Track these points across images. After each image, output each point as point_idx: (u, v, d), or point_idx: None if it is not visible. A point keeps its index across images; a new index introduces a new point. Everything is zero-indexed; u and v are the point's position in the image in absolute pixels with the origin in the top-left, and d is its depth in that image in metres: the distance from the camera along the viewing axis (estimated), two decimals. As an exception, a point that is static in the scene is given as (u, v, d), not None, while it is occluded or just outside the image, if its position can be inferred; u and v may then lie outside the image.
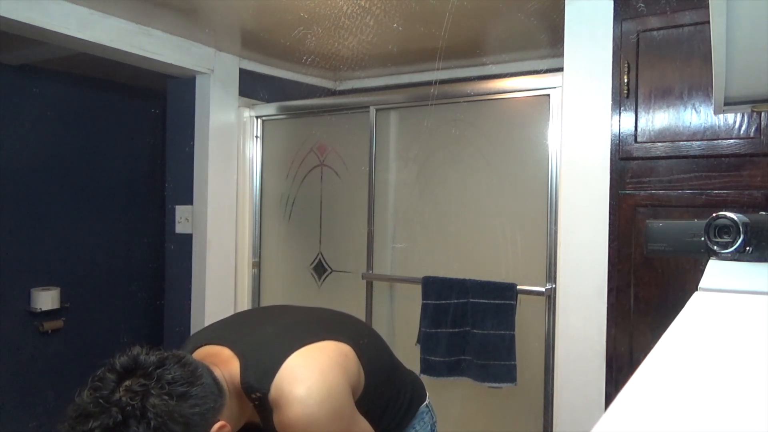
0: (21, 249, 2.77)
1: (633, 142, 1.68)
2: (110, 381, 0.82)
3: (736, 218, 0.93)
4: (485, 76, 2.51)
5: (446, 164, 2.17)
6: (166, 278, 2.63)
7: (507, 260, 2.03)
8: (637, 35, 1.67)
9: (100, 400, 0.80)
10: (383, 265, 2.32)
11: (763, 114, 1.50)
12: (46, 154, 2.87)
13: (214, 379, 0.92)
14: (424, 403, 1.31)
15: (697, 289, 0.68)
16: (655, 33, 1.65)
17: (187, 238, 2.55)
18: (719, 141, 1.57)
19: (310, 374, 0.95)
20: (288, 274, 2.61)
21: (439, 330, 2.05)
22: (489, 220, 2.07)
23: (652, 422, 0.30)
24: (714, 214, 0.96)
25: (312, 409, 0.92)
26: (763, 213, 0.98)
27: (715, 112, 1.54)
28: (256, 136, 2.64)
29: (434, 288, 2.07)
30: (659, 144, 1.64)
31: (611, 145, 1.72)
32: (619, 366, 1.70)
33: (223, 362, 0.99)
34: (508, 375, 1.92)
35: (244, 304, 2.64)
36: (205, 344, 1.06)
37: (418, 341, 2.09)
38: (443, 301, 2.05)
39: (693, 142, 1.60)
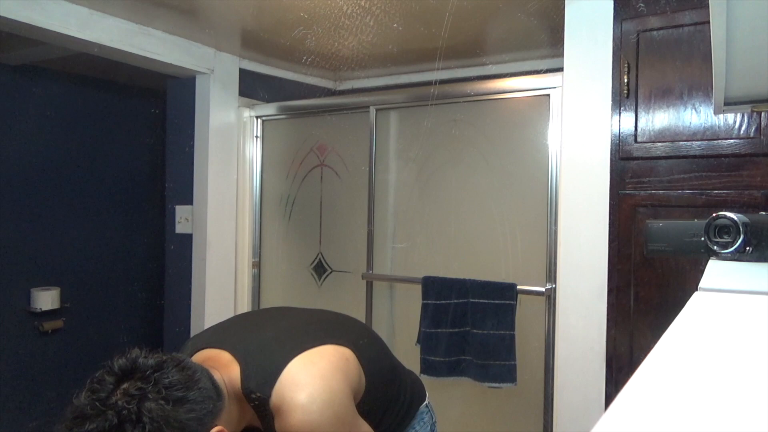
0: (21, 249, 2.77)
1: (633, 142, 1.68)
2: (108, 383, 0.82)
3: (736, 218, 0.93)
4: (485, 76, 2.51)
5: (446, 164, 2.17)
6: (166, 278, 2.63)
7: (507, 260, 2.03)
8: (637, 35, 1.67)
9: (97, 403, 0.80)
10: (383, 265, 2.32)
11: (763, 114, 1.50)
12: (46, 154, 2.87)
13: (213, 384, 0.91)
14: (424, 403, 1.31)
15: (697, 289, 0.68)
16: (655, 33, 1.65)
17: (187, 238, 2.55)
18: (719, 141, 1.57)
19: (312, 380, 0.95)
20: (288, 274, 2.61)
21: (439, 330, 2.05)
22: (489, 220, 2.07)
23: (652, 422, 0.30)
24: (714, 214, 0.96)
25: (314, 416, 0.92)
26: (763, 213, 0.98)
27: (715, 112, 1.54)
28: (256, 136, 2.64)
29: (434, 288, 2.07)
30: (659, 144, 1.64)
31: (611, 145, 1.72)
32: (619, 366, 1.70)
33: (223, 366, 0.98)
34: (508, 375, 1.92)
35: (244, 304, 2.64)
36: (204, 348, 1.05)
37: (418, 341, 2.09)
38: (443, 301, 2.05)
39: (693, 142, 1.60)
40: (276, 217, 2.63)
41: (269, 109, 2.62)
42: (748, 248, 0.92)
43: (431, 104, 2.16)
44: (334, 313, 1.29)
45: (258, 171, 2.65)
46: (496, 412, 2.08)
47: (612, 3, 1.71)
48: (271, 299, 2.65)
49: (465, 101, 2.11)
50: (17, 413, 2.70)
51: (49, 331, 2.84)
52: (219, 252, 2.54)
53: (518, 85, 2.01)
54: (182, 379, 0.85)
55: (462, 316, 2.02)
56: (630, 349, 1.68)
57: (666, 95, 1.64)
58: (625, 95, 1.69)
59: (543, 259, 1.93)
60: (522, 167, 2.02)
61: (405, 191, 2.28)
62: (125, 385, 0.82)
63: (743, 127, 1.54)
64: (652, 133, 1.66)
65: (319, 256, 2.50)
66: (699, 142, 1.60)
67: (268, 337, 1.07)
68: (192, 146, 2.53)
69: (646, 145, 1.66)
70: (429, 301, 2.07)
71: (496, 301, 1.95)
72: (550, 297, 1.90)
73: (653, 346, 0.44)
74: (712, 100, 1.17)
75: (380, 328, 2.30)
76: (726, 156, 1.56)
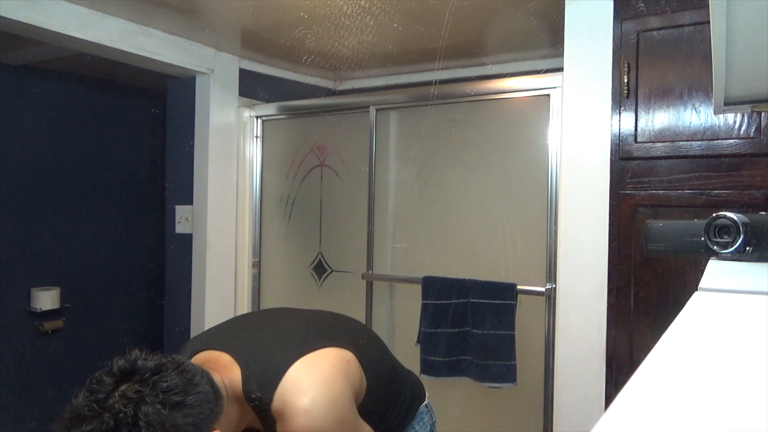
0: (21, 249, 2.77)
1: (633, 142, 1.68)
2: (106, 384, 0.82)
3: (736, 218, 0.93)
4: (485, 76, 2.51)
5: (446, 164, 2.17)
6: (166, 278, 2.63)
7: (507, 260, 2.03)
8: (637, 35, 1.67)
9: (94, 405, 0.80)
10: (383, 265, 2.32)
11: (763, 114, 1.50)
12: (46, 154, 2.87)
13: (213, 386, 0.91)
14: (424, 403, 1.31)
15: (697, 289, 0.68)
16: (655, 33, 1.65)
17: (187, 238, 2.55)
18: (719, 141, 1.57)
19: (314, 384, 0.95)
20: (288, 274, 2.61)
21: (439, 330, 2.05)
22: (489, 220, 2.07)
23: (652, 422, 0.30)
24: (714, 214, 0.96)
25: (317, 421, 0.92)
26: (763, 213, 0.98)
27: (715, 112, 1.54)
28: (256, 136, 2.64)
29: (434, 288, 2.07)
30: (659, 144, 1.64)
31: (611, 145, 1.72)
32: (619, 366, 1.70)
33: (224, 368, 0.98)
34: (508, 375, 1.92)
35: (244, 304, 2.64)
36: (204, 349, 1.05)
37: (418, 341, 2.09)
38: (443, 301, 2.05)
39: (693, 142, 1.60)
40: (276, 217, 2.63)
41: (269, 109, 2.62)
42: (748, 248, 0.92)
43: (431, 104, 2.16)
44: (334, 314, 1.29)
45: (258, 171, 2.65)
46: (496, 412, 2.08)
47: (612, 3, 1.71)
48: (271, 299, 2.65)
49: (465, 101, 2.11)
50: (17, 413, 2.70)
51: (49, 331, 2.84)
52: (219, 252, 2.54)
53: (518, 85, 2.01)
54: (181, 383, 0.84)
55: (462, 316, 2.02)
56: (630, 349, 1.68)
57: (666, 95, 1.64)
58: (625, 95, 1.69)
59: (543, 259, 1.93)
60: (522, 167, 2.02)
61: (405, 191, 2.28)
62: (123, 387, 0.81)
63: (743, 127, 1.54)
64: (652, 133, 1.66)
65: (319, 256, 2.50)
66: (699, 142, 1.60)
67: (269, 339, 1.07)
68: (192, 146, 2.53)
69: (646, 145, 1.66)
70: (429, 301, 2.07)
71: (496, 301, 1.95)
72: (550, 297, 1.90)
73: (653, 346, 0.44)
74: (712, 100, 1.17)
75: (380, 328, 2.30)
76: (726, 156, 1.56)
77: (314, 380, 0.96)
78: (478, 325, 1.98)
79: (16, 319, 2.75)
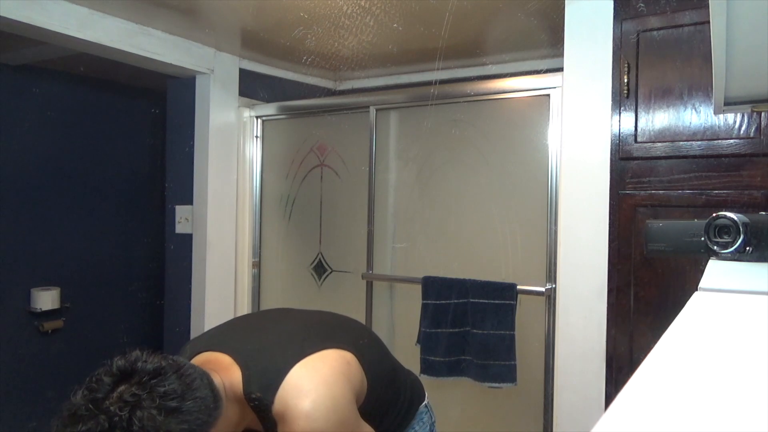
0: (21, 249, 2.77)
1: (633, 142, 1.68)
2: (105, 384, 0.82)
3: (736, 218, 0.93)
4: (485, 76, 2.51)
5: (446, 164, 2.17)
6: (166, 278, 2.63)
7: (507, 260, 2.03)
8: (637, 35, 1.67)
9: (91, 405, 0.80)
10: (383, 265, 2.32)
11: (763, 114, 1.50)
12: (46, 154, 2.87)
13: (213, 390, 0.91)
14: (423, 403, 1.31)
15: (697, 289, 0.68)
16: (655, 33, 1.65)
17: (187, 238, 2.55)
18: (719, 141, 1.57)
19: (315, 387, 0.95)
20: (288, 274, 2.61)
21: (439, 330, 2.05)
22: (489, 220, 2.07)
23: (652, 422, 0.30)
24: (714, 214, 0.96)
25: (318, 423, 0.92)
26: (763, 213, 0.98)
27: (715, 112, 1.54)
28: (256, 136, 2.64)
29: (434, 288, 2.07)
30: (659, 144, 1.64)
31: (611, 145, 1.72)
32: (619, 366, 1.70)
33: (224, 369, 0.98)
34: (509, 375, 1.92)
35: (244, 304, 2.64)
36: (205, 350, 1.05)
37: (418, 341, 2.09)
38: (443, 301, 2.05)
39: (693, 142, 1.60)
40: (276, 217, 2.63)
41: (269, 109, 2.62)
42: (748, 248, 0.92)
43: (431, 104, 2.16)
44: (334, 315, 1.29)
45: (258, 171, 2.65)
46: (496, 412, 2.08)
47: (612, 3, 1.71)
48: (271, 299, 2.65)
49: (465, 101, 2.11)
50: (17, 413, 2.70)
51: (49, 331, 2.84)
52: (219, 252, 2.54)
53: (518, 85, 2.01)
54: (179, 388, 0.84)
55: (462, 316, 2.02)
56: (630, 349, 1.68)
57: (666, 95, 1.64)
58: (625, 95, 1.69)
59: (543, 259, 1.93)
60: (522, 167, 2.02)
61: (405, 191, 2.28)
62: (121, 389, 0.81)
63: (743, 127, 1.54)
64: (652, 133, 1.66)
65: (319, 256, 2.50)
66: (699, 142, 1.60)
67: (270, 340, 1.07)
68: (192, 146, 2.53)
69: (646, 145, 1.66)
70: (429, 301, 2.07)
71: (496, 301, 1.95)
72: (550, 297, 1.90)
73: (653, 346, 0.44)
74: (712, 100, 1.17)
75: (380, 328, 2.30)
76: (726, 156, 1.56)
77: (315, 382, 0.96)
78: (478, 325, 1.98)
79: (16, 319, 2.75)
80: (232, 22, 2.17)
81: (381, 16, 2.00)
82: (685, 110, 1.62)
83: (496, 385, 1.94)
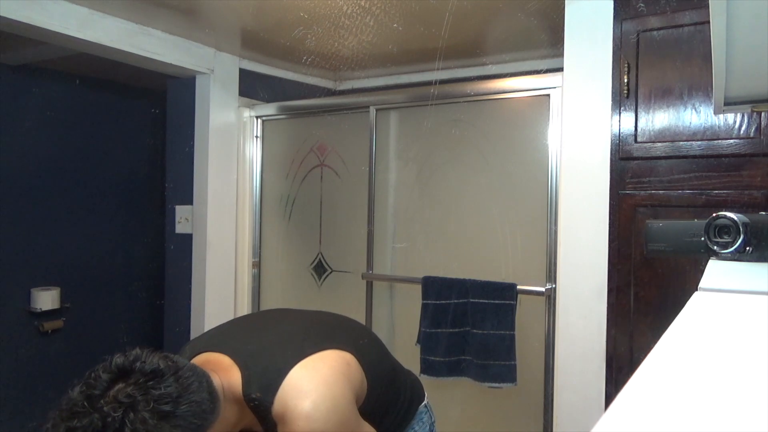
0: (21, 249, 2.77)
1: (633, 142, 1.68)
2: (102, 382, 0.82)
3: (736, 218, 0.93)
4: (485, 76, 2.51)
5: (446, 164, 2.17)
6: (166, 278, 2.63)
7: (507, 260, 2.03)
8: (637, 35, 1.67)
9: (86, 402, 0.80)
10: (383, 265, 2.32)
11: (763, 114, 1.50)
12: (46, 154, 2.87)
13: (211, 392, 0.90)
14: (423, 403, 1.31)
15: (697, 289, 0.68)
16: (655, 33, 1.65)
17: (187, 238, 2.55)
18: (719, 141, 1.57)
19: (315, 387, 0.95)
20: (288, 274, 2.61)
21: (439, 330, 2.05)
22: (489, 220, 2.07)
23: (652, 422, 0.30)
24: (714, 214, 0.96)
25: (318, 424, 0.92)
26: (763, 213, 0.98)
27: (715, 112, 1.54)
28: (256, 136, 2.64)
29: (434, 288, 2.07)
30: (659, 144, 1.64)
31: (611, 145, 1.72)
32: (619, 366, 1.70)
33: (223, 370, 0.98)
34: (509, 375, 1.92)
35: (244, 304, 2.64)
36: (204, 351, 1.05)
37: (418, 341, 2.09)
38: (443, 301, 2.05)
39: (693, 142, 1.60)
40: (276, 217, 2.63)
41: (269, 109, 2.62)
42: (748, 248, 0.92)
43: (431, 104, 2.16)
44: (334, 315, 1.29)
45: (258, 171, 2.65)
46: (496, 412, 2.08)
47: (612, 3, 1.71)
48: (271, 299, 2.65)
49: (465, 101, 2.11)
50: (17, 413, 2.70)
51: (49, 331, 2.84)
52: (219, 252, 2.54)
53: (518, 85, 2.01)
54: (175, 391, 0.84)
55: (462, 316, 2.02)
56: (630, 349, 1.68)
57: (666, 95, 1.64)
58: (625, 95, 1.69)
59: (543, 259, 1.93)
60: (522, 167, 2.02)
61: (405, 191, 2.28)
62: (117, 388, 0.82)
63: (743, 127, 1.54)
64: (652, 133, 1.66)
65: (319, 256, 2.50)
66: (699, 142, 1.60)
67: (269, 341, 1.07)
68: (192, 146, 2.53)
69: (646, 145, 1.66)
70: (429, 301, 2.07)
71: (496, 301, 1.95)
72: (550, 297, 1.90)
73: (653, 346, 0.44)
74: (712, 100, 1.17)
75: (380, 328, 2.30)
76: (726, 156, 1.56)
77: (315, 383, 0.95)
78: (479, 325, 1.98)
79: (16, 319, 2.75)
80: (232, 22, 2.17)
81: (381, 16, 2.00)
82: (685, 110, 1.62)
83: (496, 385, 1.94)
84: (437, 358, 2.04)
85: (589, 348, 1.74)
